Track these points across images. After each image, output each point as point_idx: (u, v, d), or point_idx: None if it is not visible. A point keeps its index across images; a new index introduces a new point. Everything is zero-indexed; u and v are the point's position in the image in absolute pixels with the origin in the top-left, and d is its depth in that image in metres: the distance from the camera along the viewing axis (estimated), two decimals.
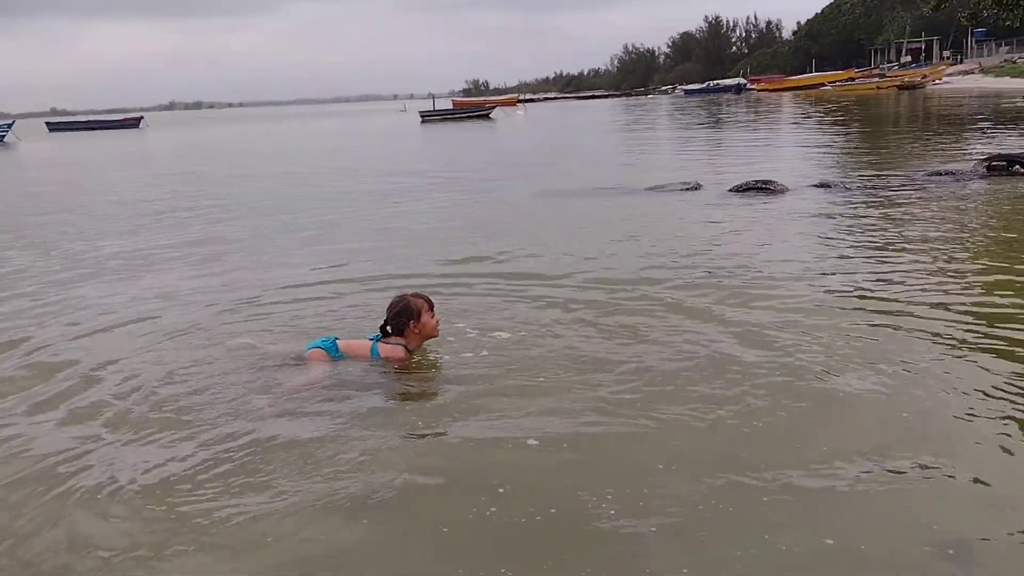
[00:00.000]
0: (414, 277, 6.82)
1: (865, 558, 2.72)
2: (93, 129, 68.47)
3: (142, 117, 72.99)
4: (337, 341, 4.78)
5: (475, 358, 4.74)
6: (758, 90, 79.16)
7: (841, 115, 32.91)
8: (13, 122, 53.14)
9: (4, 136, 49.62)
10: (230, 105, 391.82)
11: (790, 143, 21.39)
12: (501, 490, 3.22)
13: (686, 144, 22.69)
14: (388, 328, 4.77)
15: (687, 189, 11.72)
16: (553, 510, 3.06)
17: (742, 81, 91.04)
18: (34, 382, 4.70)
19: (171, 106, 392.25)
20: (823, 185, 11.60)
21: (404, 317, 4.71)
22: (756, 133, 26.45)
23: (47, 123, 75.19)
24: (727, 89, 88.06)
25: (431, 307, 4.80)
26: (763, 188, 11.10)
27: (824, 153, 18.07)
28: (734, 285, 6.09)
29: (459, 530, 2.99)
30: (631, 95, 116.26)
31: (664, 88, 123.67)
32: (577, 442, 3.61)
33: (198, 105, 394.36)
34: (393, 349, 4.71)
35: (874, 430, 3.62)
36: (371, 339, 4.80)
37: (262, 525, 3.07)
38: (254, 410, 4.12)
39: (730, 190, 11.27)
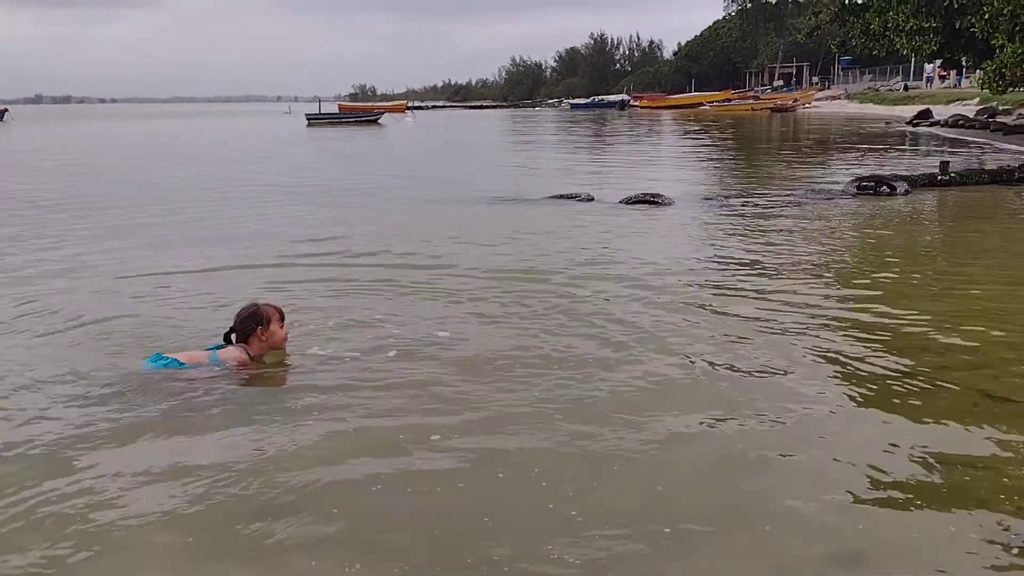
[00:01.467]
0: (258, 267, 6.75)
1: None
2: None
3: (6, 110, 68.49)
4: (165, 355, 4.56)
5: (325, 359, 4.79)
6: (641, 107, 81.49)
7: (719, 133, 34.39)
8: None
9: None
10: (102, 101, 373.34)
11: (673, 159, 22.20)
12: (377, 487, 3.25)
13: (575, 156, 23.21)
14: (233, 336, 4.71)
15: (580, 200, 11.99)
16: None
17: (626, 97, 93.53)
18: None
19: (38, 99, 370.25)
20: (706, 198, 12.13)
21: (252, 322, 4.66)
22: (641, 148, 27.29)
23: None
24: (611, 105, 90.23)
25: (282, 318, 4.77)
26: (652, 201, 11.49)
27: (705, 169, 18.88)
28: (619, 284, 6.31)
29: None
30: (519, 106, 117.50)
31: (551, 101, 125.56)
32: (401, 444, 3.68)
33: (67, 99, 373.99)
34: (232, 351, 4.64)
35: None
36: (211, 348, 4.69)
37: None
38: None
39: (621, 202, 11.61)
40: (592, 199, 12.03)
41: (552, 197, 12.27)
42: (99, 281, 6.98)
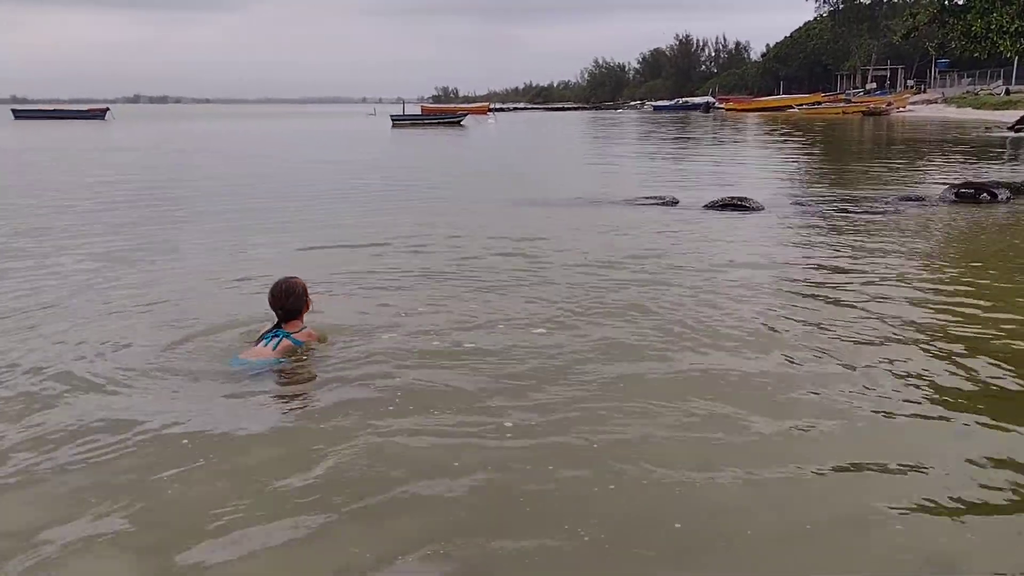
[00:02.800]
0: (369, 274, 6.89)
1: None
2: (58, 118, 67.32)
3: (108, 108, 71.75)
4: (240, 356, 4.61)
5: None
6: (726, 109, 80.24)
7: (809, 138, 33.58)
8: None
9: None
10: (196, 101, 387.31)
11: (761, 163, 21.77)
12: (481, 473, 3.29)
13: (657, 159, 22.98)
14: (286, 315, 4.73)
15: (664, 204, 11.88)
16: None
17: (711, 100, 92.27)
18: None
19: (136, 99, 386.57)
20: (797, 204, 11.87)
21: (304, 296, 4.77)
22: (726, 151, 26.85)
23: (13, 110, 73.69)
24: (695, 107, 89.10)
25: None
26: (739, 205, 11.30)
27: (795, 173, 18.45)
28: (708, 294, 6.23)
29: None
30: (600, 108, 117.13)
31: (633, 103, 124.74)
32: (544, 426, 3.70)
33: (163, 99, 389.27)
34: (305, 332, 4.77)
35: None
36: (275, 336, 4.65)
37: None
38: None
39: (706, 206, 11.47)
40: (676, 202, 11.91)
41: (635, 200, 12.20)
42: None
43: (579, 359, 4.79)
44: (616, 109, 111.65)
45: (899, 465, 3.48)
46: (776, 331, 5.37)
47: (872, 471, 3.44)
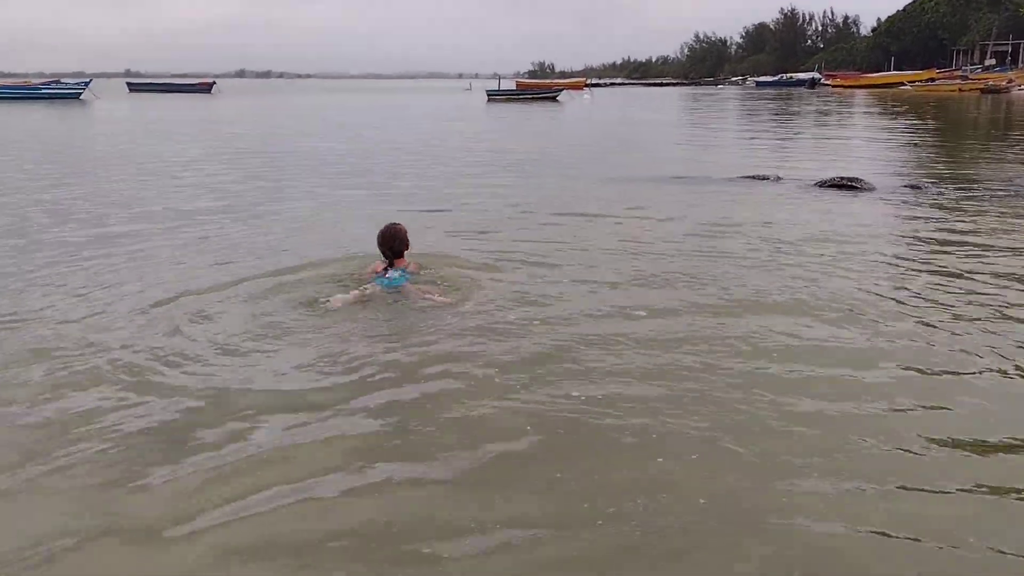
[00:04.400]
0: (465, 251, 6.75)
1: None
2: (169, 91, 70.03)
3: (214, 83, 74.11)
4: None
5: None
6: (832, 86, 77.17)
7: (923, 116, 31.85)
8: (90, 81, 54.29)
9: (81, 93, 50.89)
10: (298, 76, 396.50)
11: (870, 141, 20.76)
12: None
13: (761, 137, 22.17)
14: (395, 255, 5.61)
15: (767, 181, 11.39)
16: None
17: (816, 75, 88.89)
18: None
19: (241, 74, 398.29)
20: (911, 186, 11.18)
21: (406, 238, 5.65)
22: (833, 129, 25.74)
23: (127, 83, 77.09)
24: (800, 83, 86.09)
25: None
26: (849, 185, 10.72)
27: (908, 153, 17.46)
28: (821, 271, 5.86)
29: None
30: (700, 84, 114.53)
31: (735, 79, 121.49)
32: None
33: (267, 74, 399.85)
34: (415, 265, 5.74)
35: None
36: (393, 269, 5.55)
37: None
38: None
39: (815, 185, 10.93)
40: (780, 179, 11.40)
41: (738, 178, 11.75)
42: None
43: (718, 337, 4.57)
44: (716, 85, 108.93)
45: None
46: (920, 306, 5.00)
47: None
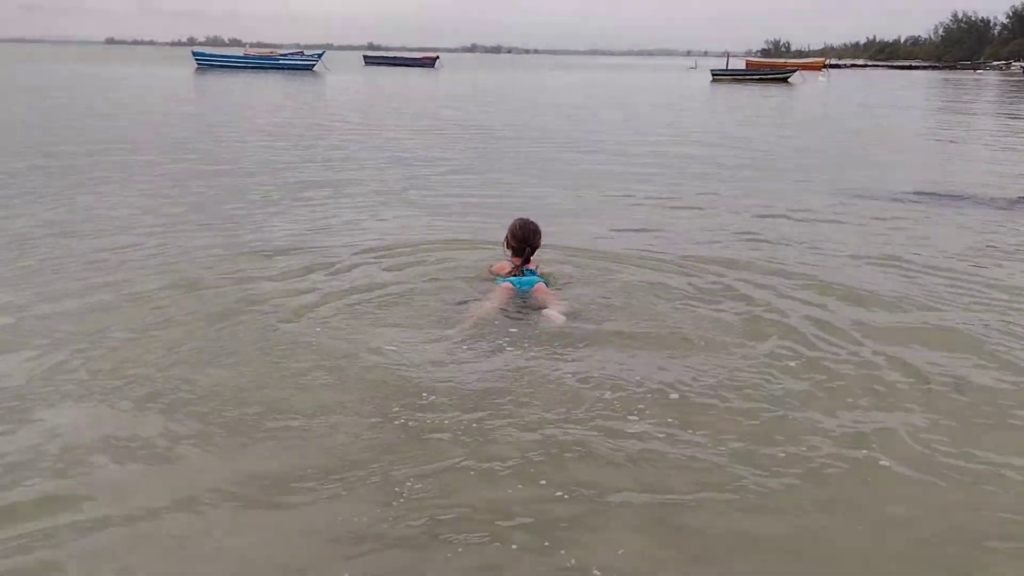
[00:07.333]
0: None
1: None
2: (397, 65, 72.76)
3: (438, 57, 76.00)
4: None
5: None
6: None
7: None
8: (323, 53, 56.71)
9: (314, 65, 53.39)
10: (527, 51, 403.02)
11: None
12: None
13: None
14: (533, 251, 5.16)
15: None
16: None
17: None
18: None
19: (472, 49, 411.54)
20: None
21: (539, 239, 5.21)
22: None
23: (364, 56, 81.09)
24: None
25: None
26: None
27: None
28: None
29: None
30: (955, 68, 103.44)
31: (996, 63, 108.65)
32: None
33: (497, 49, 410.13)
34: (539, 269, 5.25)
35: None
36: (530, 274, 5.09)
37: None
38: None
39: None
40: None
41: (1007, 198, 9.29)
42: None
43: None
44: (975, 70, 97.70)
45: None
46: None
47: None
